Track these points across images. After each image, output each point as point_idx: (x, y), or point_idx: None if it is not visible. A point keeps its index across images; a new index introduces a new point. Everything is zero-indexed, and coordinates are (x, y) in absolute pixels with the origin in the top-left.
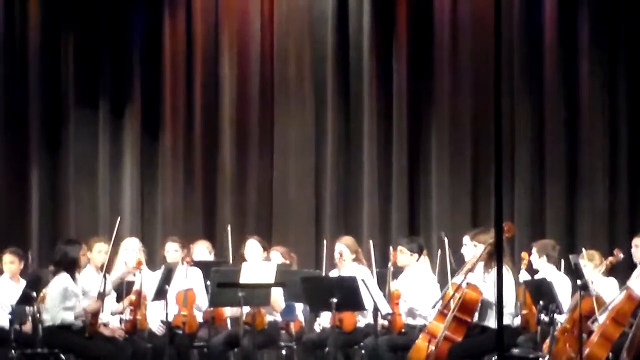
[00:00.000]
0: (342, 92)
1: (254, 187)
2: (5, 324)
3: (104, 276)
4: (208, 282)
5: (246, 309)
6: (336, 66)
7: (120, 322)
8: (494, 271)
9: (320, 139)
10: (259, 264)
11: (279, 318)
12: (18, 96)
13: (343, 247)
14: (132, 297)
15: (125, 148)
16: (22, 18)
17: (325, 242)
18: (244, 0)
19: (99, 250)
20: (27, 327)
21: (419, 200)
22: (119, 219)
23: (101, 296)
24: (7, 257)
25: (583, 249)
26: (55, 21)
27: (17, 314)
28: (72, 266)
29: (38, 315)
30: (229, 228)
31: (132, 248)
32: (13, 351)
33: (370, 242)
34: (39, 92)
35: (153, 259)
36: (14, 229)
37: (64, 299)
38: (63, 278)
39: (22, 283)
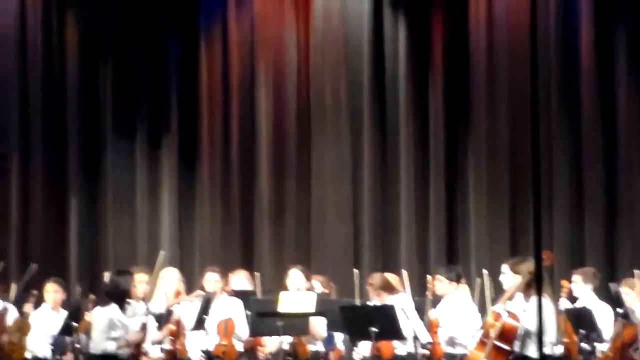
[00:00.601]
0: (379, 121)
1: (291, 216)
2: (48, 354)
3: (147, 306)
4: (248, 312)
5: (287, 338)
6: (372, 95)
7: (161, 352)
8: (533, 299)
9: (357, 168)
10: (298, 293)
11: (321, 348)
12: (56, 127)
13: (372, 286)
14: (172, 326)
15: (163, 178)
16: (60, 50)
17: (356, 271)
18: (279, 30)
19: (140, 281)
20: (68, 357)
21: (457, 229)
22: (161, 252)
23: (144, 327)
24: (51, 287)
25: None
26: (93, 53)
27: (58, 344)
28: (122, 297)
29: (78, 345)
30: (258, 278)
31: (171, 278)
32: None
33: (404, 272)
34: (77, 122)
35: (192, 289)
36: (53, 258)
37: (109, 330)
38: (111, 309)
39: (62, 313)
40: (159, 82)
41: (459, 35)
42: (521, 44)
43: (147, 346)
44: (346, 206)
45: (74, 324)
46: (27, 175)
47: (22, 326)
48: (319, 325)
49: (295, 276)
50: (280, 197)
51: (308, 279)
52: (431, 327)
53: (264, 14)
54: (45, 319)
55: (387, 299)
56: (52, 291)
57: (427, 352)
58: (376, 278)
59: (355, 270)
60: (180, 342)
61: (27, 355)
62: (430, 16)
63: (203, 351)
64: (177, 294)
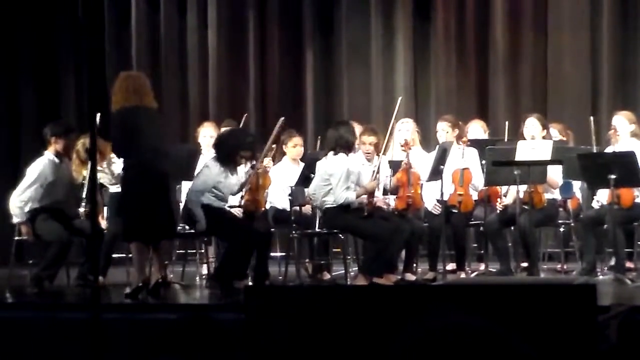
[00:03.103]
0: None
1: (527, 64)
2: (286, 205)
3: (378, 157)
4: (484, 161)
5: (522, 188)
6: None
7: (394, 200)
8: None
9: (596, 14)
10: (535, 141)
11: (557, 196)
12: None
13: (620, 120)
14: (399, 175)
15: (397, 29)
16: None
17: (591, 119)
18: None
19: (371, 142)
20: (306, 208)
21: None
22: (399, 99)
23: (376, 175)
24: (295, 140)
25: None
26: None
27: (296, 196)
28: (347, 147)
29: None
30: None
31: (406, 128)
32: (294, 231)
33: None
34: None
35: (427, 139)
36: (289, 112)
37: (347, 180)
38: (342, 158)
39: (300, 165)
40: None
41: None
42: None
43: (380, 195)
44: (584, 53)
45: (312, 175)
46: (263, 30)
47: (264, 180)
48: (555, 173)
49: (531, 124)
50: (515, 46)
51: (544, 127)
52: None
53: None
54: (285, 172)
55: (628, 140)
56: (297, 144)
57: None
58: (626, 114)
59: (592, 117)
60: (415, 191)
61: (267, 206)
62: None
63: (438, 200)
64: (410, 143)
